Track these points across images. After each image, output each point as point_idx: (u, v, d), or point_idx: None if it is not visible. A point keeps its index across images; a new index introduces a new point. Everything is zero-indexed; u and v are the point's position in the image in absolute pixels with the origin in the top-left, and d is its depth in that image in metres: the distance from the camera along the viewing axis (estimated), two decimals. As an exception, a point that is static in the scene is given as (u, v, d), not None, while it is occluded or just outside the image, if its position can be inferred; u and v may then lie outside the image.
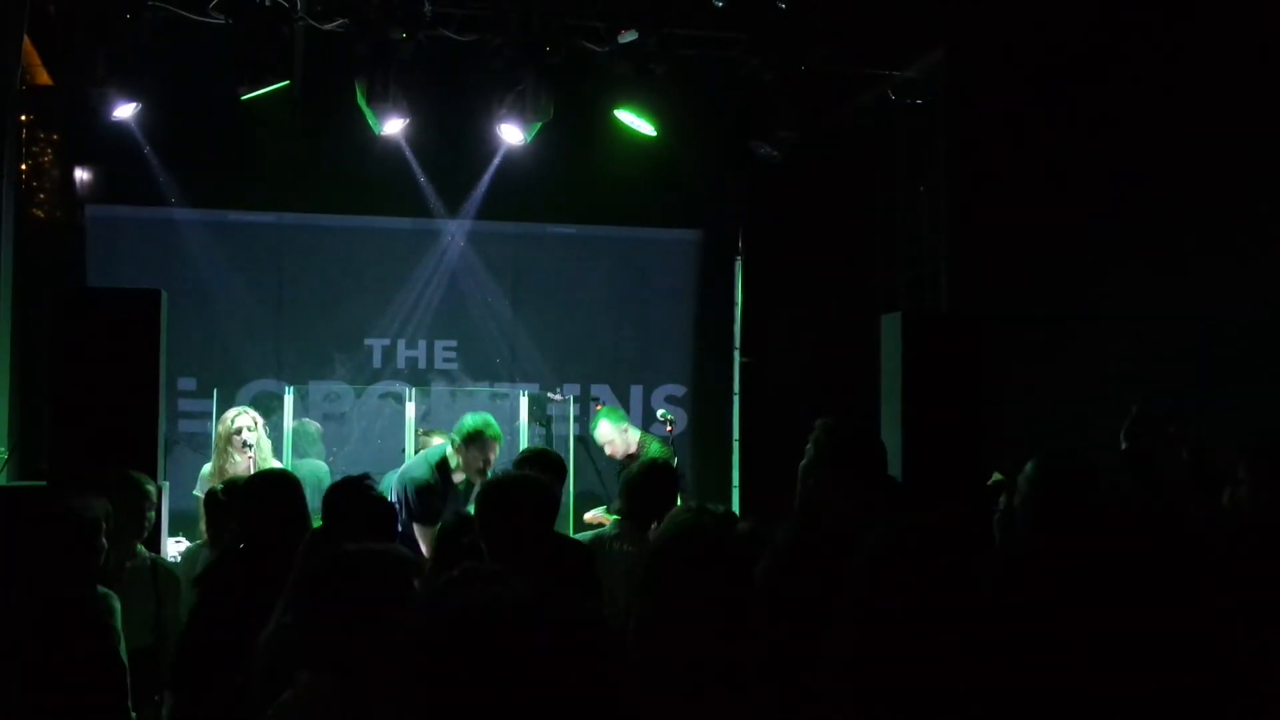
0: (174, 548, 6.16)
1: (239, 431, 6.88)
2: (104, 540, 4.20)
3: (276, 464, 7.11)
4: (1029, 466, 3.82)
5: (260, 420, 7.04)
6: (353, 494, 3.98)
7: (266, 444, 7.04)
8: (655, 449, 7.88)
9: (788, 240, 10.07)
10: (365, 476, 4.00)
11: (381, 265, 9.84)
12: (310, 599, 2.85)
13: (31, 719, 3.68)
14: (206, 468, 7.11)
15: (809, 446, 3.78)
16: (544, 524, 3.66)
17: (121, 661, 4.08)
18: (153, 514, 5.26)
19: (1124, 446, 4.71)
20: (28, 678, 3.69)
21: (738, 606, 2.90)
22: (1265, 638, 2.96)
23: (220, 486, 5.52)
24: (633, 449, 7.92)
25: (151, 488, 5.26)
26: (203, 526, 6.01)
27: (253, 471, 6.57)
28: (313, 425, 8.84)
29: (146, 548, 5.26)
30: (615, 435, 7.98)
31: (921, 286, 9.19)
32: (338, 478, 4.88)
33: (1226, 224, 6.57)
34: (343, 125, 8.54)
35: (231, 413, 7.09)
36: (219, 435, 7.04)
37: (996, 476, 6.36)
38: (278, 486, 4.69)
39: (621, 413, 8.36)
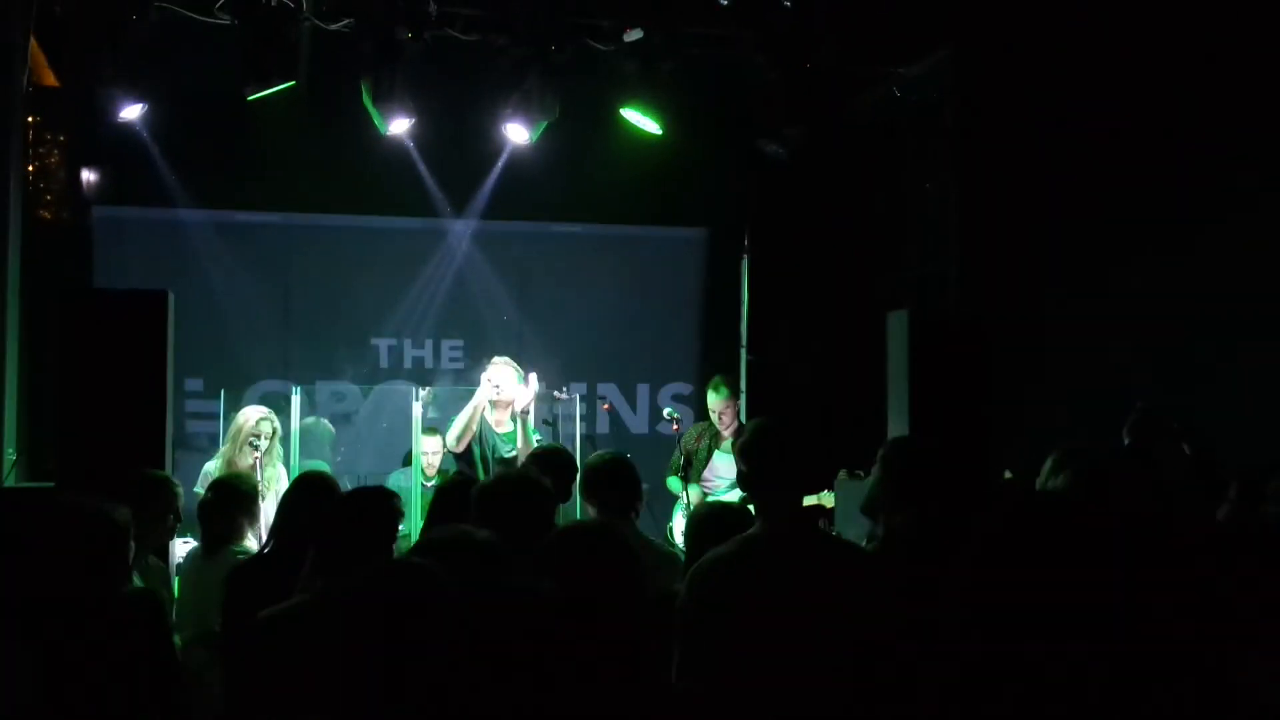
0: (182, 548, 6.15)
1: (258, 435, 6.81)
2: (132, 542, 4.18)
3: (282, 467, 7.08)
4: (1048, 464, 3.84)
5: (279, 428, 6.99)
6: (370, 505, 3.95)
7: (278, 449, 7.01)
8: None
9: (794, 238, 10.06)
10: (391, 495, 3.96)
11: (388, 265, 9.84)
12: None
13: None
14: (210, 465, 7.07)
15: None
16: (536, 524, 3.64)
17: (174, 661, 4.04)
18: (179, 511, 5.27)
19: (1126, 443, 4.70)
20: (61, 682, 3.64)
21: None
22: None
23: (209, 491, 5.47)
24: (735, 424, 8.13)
25: (180, 491, 5.25)
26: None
27: (257, 473, 6.55)
28: (326, 427, 8.83)
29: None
30: (720, 406, 8.17)
31: (928, 284, 9.17)
32: (340, 478, 4.90)
33: (1236, 223, 6.56)
34: (349, 125, 8.53)
35: (253, 413, 6.97)
36: (235, 431, 6.93)
37: (1008, 475, 6.35)
38: (318, 491, 4.66)
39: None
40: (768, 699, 3.16)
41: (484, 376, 7.45)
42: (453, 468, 7.67)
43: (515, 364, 7.59)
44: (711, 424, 8.27)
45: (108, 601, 3.73)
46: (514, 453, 7.25)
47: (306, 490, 4.62)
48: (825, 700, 3.14)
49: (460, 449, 7.36)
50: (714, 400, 8.22)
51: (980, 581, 2.81)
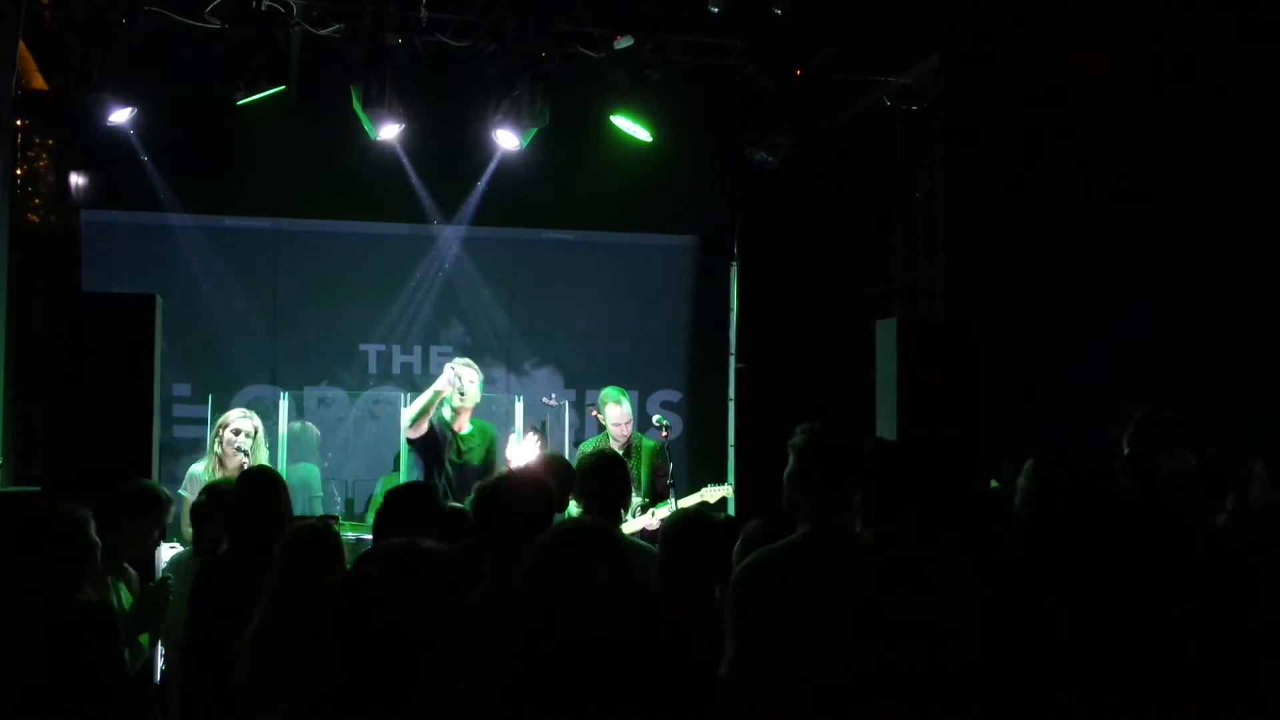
0: (167, 553, 6.13)
1: (237, 434, 6.88)
2: (92, 540, 4.19)
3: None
4: (1027, 467, 3.84)
5: (260, 427, 7.02)
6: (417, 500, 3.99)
7: (264, 452, 7.02)
8: (647, 444, 7.97)
9: (783, 246, 10.07)
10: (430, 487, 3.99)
11: (377, 271, 9.82)
12: (328, 630, 2.46)
13: None
14: (196, 467, 7.09)
15: (791, 452, 3.78)
16: (540, 524, 3.64)
17: (121, 667, 4.05)
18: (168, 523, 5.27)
19: (1126, 452, 4.69)
20: (25, 686, 3.65)
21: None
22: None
23: (203, 495, 5.48)
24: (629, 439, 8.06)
25: (170, 501, 5.25)
26: (185, 531, 5.99)
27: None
28: (313, 432, 8.83)
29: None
30: (626, 417, 8.04)
31: (917, 292, 9.18)
32: (328, 484, 4.92)
33: (1228, 226, 6.56)
34: (338, 131, 8.54)
35: (233, 414, 7.09)
36: (216, 431, 7.04)
37: (994, 485, 6.34)
38: (262, 486, 4.71)
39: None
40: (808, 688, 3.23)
41: (448, 366, 7.54)
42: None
43: (477, 368, 7.70)
44: (605, 436, 8.12)
45: (60, 609, 3.73)
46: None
47: (254, 486, 4.66)
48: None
49: (415, 435, 7.42)
50: (618, 412, 8.05)
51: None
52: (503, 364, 9.96)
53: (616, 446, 7.95)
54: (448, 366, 7.54)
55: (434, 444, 7.38)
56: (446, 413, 7.47)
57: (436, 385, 7.45)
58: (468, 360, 7.77)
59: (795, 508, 3.69)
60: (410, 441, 7.43)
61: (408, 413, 7.40)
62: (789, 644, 3.32)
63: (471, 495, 3.90)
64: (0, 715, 3.57)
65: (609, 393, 8.19)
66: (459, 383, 7.41)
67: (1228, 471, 4.44)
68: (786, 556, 3.52)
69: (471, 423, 7.58)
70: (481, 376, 7.65)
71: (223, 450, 6.88)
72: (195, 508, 5.33)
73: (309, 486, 7.75)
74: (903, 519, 3.35)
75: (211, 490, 5.42)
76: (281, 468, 7.82)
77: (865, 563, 3.47)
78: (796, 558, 3.51)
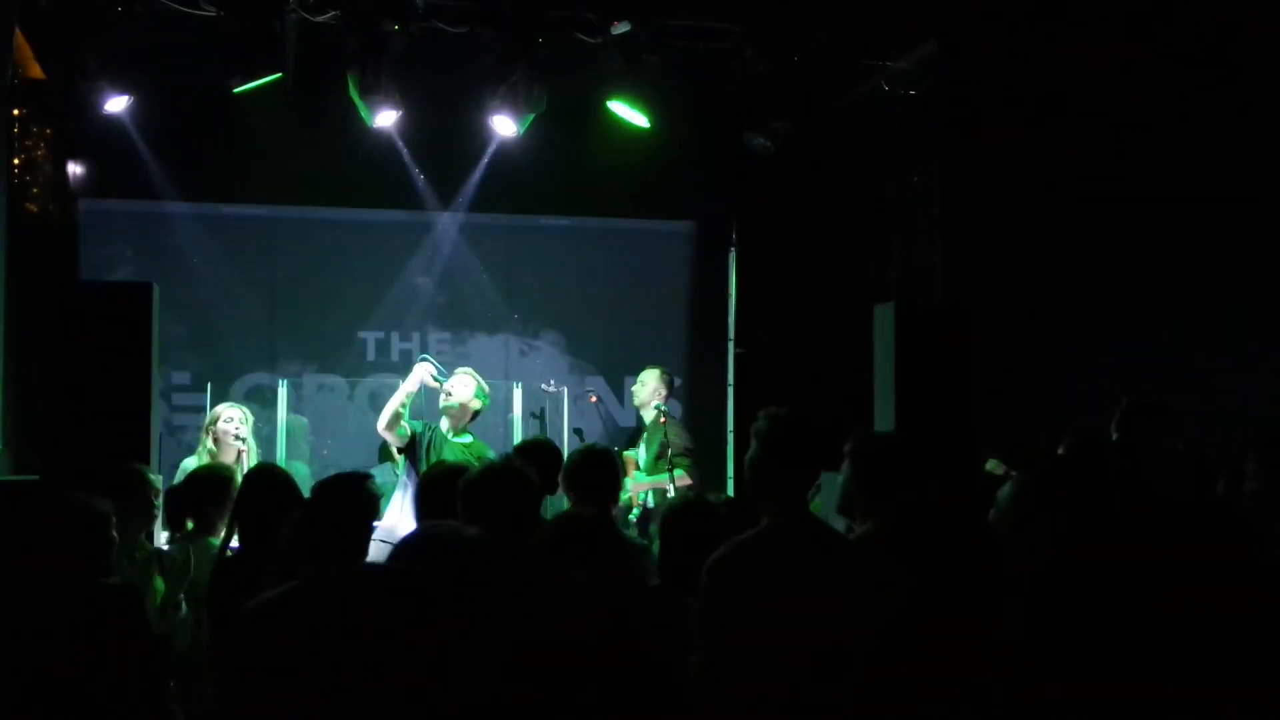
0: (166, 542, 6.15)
1: (230, 421, 6.91)
2: (114, 533, 4.20)
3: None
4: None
5: (250, 418, 7.03)
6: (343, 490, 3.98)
7: (254, 440, 7.05)
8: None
9: (781, 231, 10.07)
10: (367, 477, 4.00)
11: (374, 258, 9.81)
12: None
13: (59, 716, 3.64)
14: (188, 461, 7.12)
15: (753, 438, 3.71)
16: (526, 514, 3.65)
17: (152, 650, 4.06)
18: (159, 506, 5.28)
19: (1114, 438, 4.71)
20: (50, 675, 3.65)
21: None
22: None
23: (182, 483, 5.50)
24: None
25: (156, 481, 5.27)
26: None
27: (243, 465, 6.58)
28: (301, 421, 8.84)
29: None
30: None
31: (915, 277, 9.19)
32: (321, 474, 4.91)
33: (1223, 214, 6.57)
34: (335, 118, 8.53)
35: (221, 407, 7.10)
36: (205, 430, 7.06)
37: (991, 464, 6.37)
38: (273, 483, 4.68)
39: None
40: (780, 683, 3.22)
41: (418, 365, 7.34)
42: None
43: (479, 377, 7.42)
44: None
45: (86, 594, 3.74)
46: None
47: (258, 484, 4.65)
48: (830, 683, 3.21)
49: (390, 437, 7.23)
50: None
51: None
52: (500, 350, 9.97)
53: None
54: (419, 366, 7.30)
55: (414, 451, 7.11)
56: (444, 424, 7.21)
57: (406, 385, 7.19)
58: (469, 370, 7.44)
59: (755, 494, 3.62)
60: (400, 450, 7.24)
61: (382, 417, 7.16)
62: (757, 637, 3.28)
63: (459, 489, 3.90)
64: (31, 705, 3.57)
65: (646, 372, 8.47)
66: (431, 380, 7.21)
67: (1215, 458, 4.46)
68: (754, 548, 3.46)
69: (472, 439, 7.24)
70: (480, 384, 7.31)
71: (217, 445, 6.88)
72: (172, 494, 5.34)
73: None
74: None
75: (190, 478, 5.43)
76: (281, 456, 7.84)
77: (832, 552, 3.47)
78: (763, 549, 3.46)
